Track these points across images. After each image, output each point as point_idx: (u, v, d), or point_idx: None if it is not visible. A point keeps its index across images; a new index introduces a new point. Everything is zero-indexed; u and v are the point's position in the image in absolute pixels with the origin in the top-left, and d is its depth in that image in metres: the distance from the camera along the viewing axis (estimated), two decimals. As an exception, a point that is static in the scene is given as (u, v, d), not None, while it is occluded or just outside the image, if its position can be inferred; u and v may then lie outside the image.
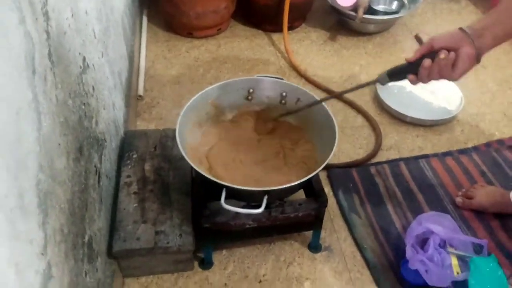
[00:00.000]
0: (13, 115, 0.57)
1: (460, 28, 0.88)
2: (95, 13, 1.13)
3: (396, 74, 0.97)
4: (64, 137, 0.77)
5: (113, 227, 1.08)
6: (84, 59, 0.97)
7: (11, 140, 0.55)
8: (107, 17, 1.27)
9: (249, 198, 0.99)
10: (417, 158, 1.43)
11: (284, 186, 0.90)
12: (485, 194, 1.27)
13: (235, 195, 0.96)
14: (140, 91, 1.65)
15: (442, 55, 0.86)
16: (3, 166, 0.53)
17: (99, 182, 1.02)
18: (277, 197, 1.03)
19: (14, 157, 0.56)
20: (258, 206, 0.91)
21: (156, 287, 1.11)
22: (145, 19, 1.98)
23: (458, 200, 1.30)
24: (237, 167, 1.11)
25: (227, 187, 0.91)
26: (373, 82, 1.03)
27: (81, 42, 0.95)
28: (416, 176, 1.37)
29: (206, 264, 1.14)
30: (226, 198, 0.93)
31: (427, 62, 0.88)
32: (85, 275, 0.85)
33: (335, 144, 0.98)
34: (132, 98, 1.54)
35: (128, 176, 1.19)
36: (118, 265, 1.09)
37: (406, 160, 1.42)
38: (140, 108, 1.60)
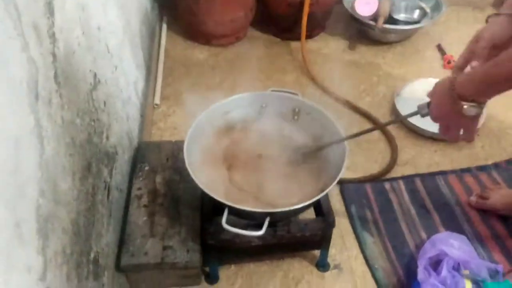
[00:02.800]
0: (11, 145, 0.57)
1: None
2: (110, 28, 1.14)
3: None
4: (69, 157, 0.78)
5: (122, 240, 1.09)
6: (95, 75, 0.98)
7: (9, 170, 0.56)
8: (123, 29, 1.28)
9: (253, 218, 0.98)
10: (433, 174, 1.39)
11: (286, 209, 0.89)
12: (500, 196, 1.28)
13: (238, 214, 0.95)
14: (157, 100, 1.66)
15: None
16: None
17: (108, 196, 1.03)
18: (283, 217, 1.02)
19: (12, 187, 0.56)
20: (262, 225, 0.90)
21: (163, 300, 1.12)
22: (164, 26, 2.00)
23: (472, 199, 1.31)
24: (247, 181, 1.10)
25: (229, 206, 0.91)
26: (413, 114, 0.96)
27: (92, 59, 0.96)
28: (432, 193, 1.34)
29: (212, 278, 1.14)
30: (230, 214, 0.93)
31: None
32: (90, 292, 0.86)
33: (343, 166, 0.96)
34: (148, 107, 1.55)
35: (139, 189, 1.19)
36: (127, 279, 1.10)
37: (422, 176, 1.38)
38: (156, 117, 1.61)
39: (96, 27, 1.01)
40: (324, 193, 0.93)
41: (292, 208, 0.89)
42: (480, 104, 0.83)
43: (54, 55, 0.74)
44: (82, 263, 0.82)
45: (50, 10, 0.73)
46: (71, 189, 0.78)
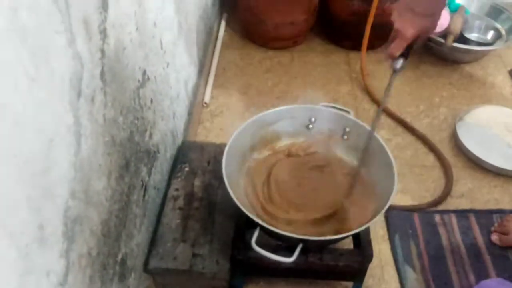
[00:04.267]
0: (45, 145, 0.55)
1: None
2: (166, 23, 1.12)
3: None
4: (107, 156, 0.76)
5: (153, 241, 1.07)
6: (144, 72, 0.95)
7: (38, 171, 0.54)
8: (179, 25, 1.26)
9: (285, 241, 0.92)
10: (491, 212, 1.28)
11: (321, 238, 0.83)
12: None
13: (270, 234, 0.90)
14: (207, 98, 1.63)
15: None
16: (23, 199, 0.51)
17: (144, 195, 1.01)
18: (317, 245, 0.96)
19: (39, 188, 0.54)
20: (294, 250, 0.85)
21: (188, 307, 1.09)
22: (223, 23, 1.97)
23: (494, 237, 1.20)
24: (290, 202, 1.05)
25: (261, 226, 0.86)
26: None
27: (143, 56, 0.94)
28: (487, 233, 1.23)
29: (237, 292, 1.10)
30: (263, 233, 0.88)
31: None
32: (112, 295, 0.84)
33: (391, 197, 0.89)
34: (196, 105, 1.52)
35: (177, 190, 1.17)
36: (153, 281, 1.07)
37: (478, 213, 1.27)
38: (203, 116, 1.59)
39: (152, 23, 0.99)
40: (365, 226, 0.86)
41: (327, 238, 0.83)
42: None
43: (102, 52, 0.72)
44: (108, 264, 0.80)
45: (104, 5, 0.71)
46: (106, 189, 0.76)
